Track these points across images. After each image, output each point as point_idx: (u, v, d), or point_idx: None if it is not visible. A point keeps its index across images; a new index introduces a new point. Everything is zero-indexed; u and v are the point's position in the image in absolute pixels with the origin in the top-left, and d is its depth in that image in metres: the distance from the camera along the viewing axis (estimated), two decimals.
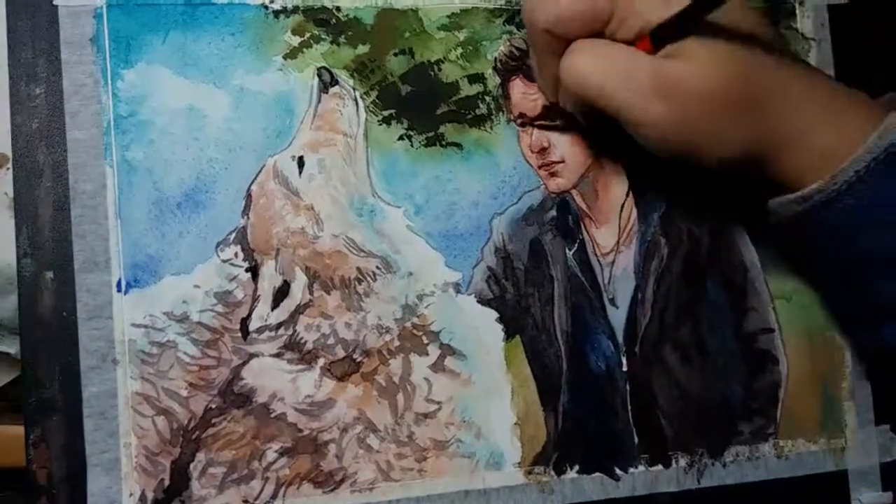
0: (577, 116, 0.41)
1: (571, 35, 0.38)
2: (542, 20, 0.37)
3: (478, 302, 0.43)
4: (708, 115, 0.36)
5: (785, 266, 0.46)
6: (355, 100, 0.42)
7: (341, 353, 0.41)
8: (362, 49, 0.43)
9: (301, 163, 0.41)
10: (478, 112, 0.44)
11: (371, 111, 0.43)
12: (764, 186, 0.40)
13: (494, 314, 0.43)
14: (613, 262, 0.45)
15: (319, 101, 0.42)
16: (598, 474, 0.43)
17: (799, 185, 0.38)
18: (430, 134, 0.43)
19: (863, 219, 0.37)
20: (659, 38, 0.36)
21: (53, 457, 0.38)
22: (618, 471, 0.43)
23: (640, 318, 0.44)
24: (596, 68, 0.37)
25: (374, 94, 0.43)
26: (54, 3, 0.39)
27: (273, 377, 0.40)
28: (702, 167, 0.38)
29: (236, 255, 0.40)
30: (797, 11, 0.49)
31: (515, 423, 0.42)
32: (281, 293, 0.40)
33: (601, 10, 0.37)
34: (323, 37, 0.42)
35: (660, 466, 0.44)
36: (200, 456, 0.39)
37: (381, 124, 0.43)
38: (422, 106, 0.43)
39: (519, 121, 0.44)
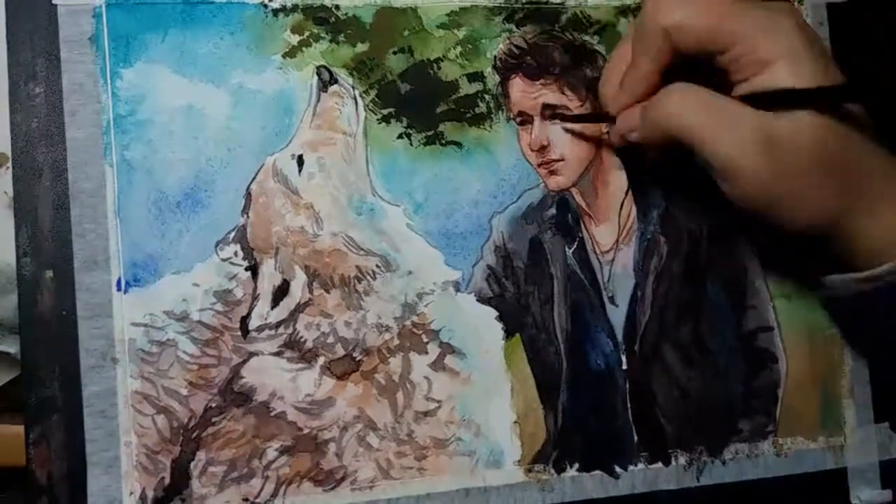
0: (643, 147, 0.41)
1: (682, 46, 0.38)
2: (666, 18, 0.37)
3: (477, 300, 0.43)
4: (805, 171, 0.37)
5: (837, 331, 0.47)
6: (354, 98, 0.42)
7: (341, 352, 0.41)
8: (361, 47, 0.43)
9: (300, 161, 0.41)
10: (477, 110, 0.44)
11: (370, 110, 0.43)
12: (822, 259, 0.40)
13: (494, 312, 0.43)
14: (613, 261, 0.45)
15: (319, 99, 0.42)
16: (597, 472, 0.43)
17: (867, 262, 0.38)
18: (430, 132, 0.43)
19: None
20: (763, 102, 0.37)
21: (54, 456, 0.38)
22: (617, 469, 0.43)
23: (640, 316, 0.44)
24: (698, 115, 0.37)
25: (373, 92, 0.43)
26: (53, 2, 0.39)
27: (273, 376, 0.40)
28: (782, 227, 0.39)
29: (236, 253, 0.40)
30: None
31: (515, 422, 0.42)
32: (280, 292, 0.40)
33: (722, 37, 0.37)
34: (322, 35, 0.42)
35: (659, 464, 0.44)
36: (201, 454, 0.39)
37: (380, 123, 0.43)
38: (421, 104, 0.43)
39: (517, 119, 0.44)
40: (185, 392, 0.39)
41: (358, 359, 0.41)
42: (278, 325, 0.40)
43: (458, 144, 0.43)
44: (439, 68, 0.44)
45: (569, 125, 0.44)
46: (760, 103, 0.37)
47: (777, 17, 0.37)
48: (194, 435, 0.39)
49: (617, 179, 0.45)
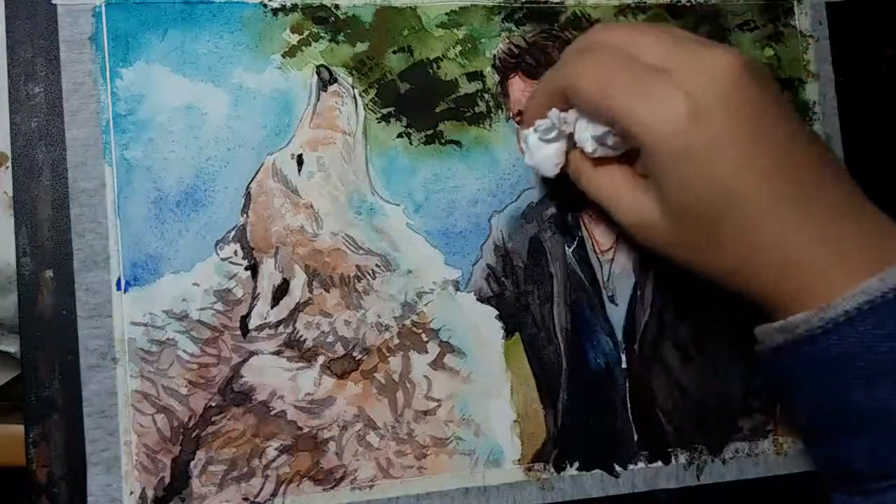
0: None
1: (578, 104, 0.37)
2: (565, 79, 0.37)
3: (477, 300, 0.43)
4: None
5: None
6: (354, 98, 0.42)
7: (341, 351, 0.41)
8: (361, 47, 0.43)
9: (300, 161, 0.41)
10: (477, 110, 0.44)
11: (370, 109, 0.43)
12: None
13: (494, 312, 0.43)
14: (613, 260, 0.45)
15: (318, 99, 0.42)
16: (597, 471, 0.43)
17: (786, 311, 0.34)
18: (429, 132, 0.43)
19: (843, 364, 0.32)
20: None
21: (53, 456, 0.38)
22: (617, 467, 0.43)
23: (640, 315, 0.44)
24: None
25: (372, 91, 0.43)
26: (53, 2, 0.39)
27: (273, 375, 0.40)
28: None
29: (236, 253, 0.40)
30: (795, 9, 0.49)
31: (515, 421, 0.42)
32: (280, 291, 0.40)
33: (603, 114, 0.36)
34: (322, 35, 0.42)
35: (659, 463, 0.44)
36: (200, 454, 0.39)
37: (379, 122, 0.43)
38: (421, 104, 0.43)
39: (518, 118, 0.44)
40: (184, 391, 0.39)
41: (358, 358, 0.41)
42: (278, 324, 0.40)
43: (458, 143, 0.43)
44: (439, 68, 0.44)
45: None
46: None
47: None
48: (194, 434, 0.39)
49: None
